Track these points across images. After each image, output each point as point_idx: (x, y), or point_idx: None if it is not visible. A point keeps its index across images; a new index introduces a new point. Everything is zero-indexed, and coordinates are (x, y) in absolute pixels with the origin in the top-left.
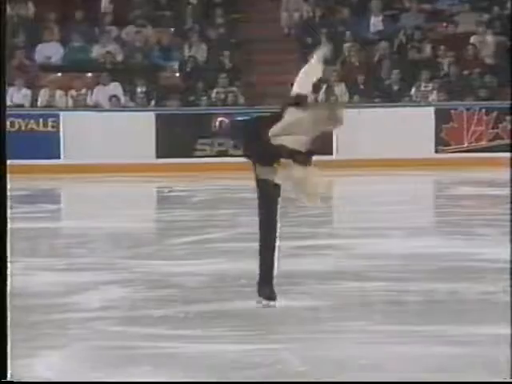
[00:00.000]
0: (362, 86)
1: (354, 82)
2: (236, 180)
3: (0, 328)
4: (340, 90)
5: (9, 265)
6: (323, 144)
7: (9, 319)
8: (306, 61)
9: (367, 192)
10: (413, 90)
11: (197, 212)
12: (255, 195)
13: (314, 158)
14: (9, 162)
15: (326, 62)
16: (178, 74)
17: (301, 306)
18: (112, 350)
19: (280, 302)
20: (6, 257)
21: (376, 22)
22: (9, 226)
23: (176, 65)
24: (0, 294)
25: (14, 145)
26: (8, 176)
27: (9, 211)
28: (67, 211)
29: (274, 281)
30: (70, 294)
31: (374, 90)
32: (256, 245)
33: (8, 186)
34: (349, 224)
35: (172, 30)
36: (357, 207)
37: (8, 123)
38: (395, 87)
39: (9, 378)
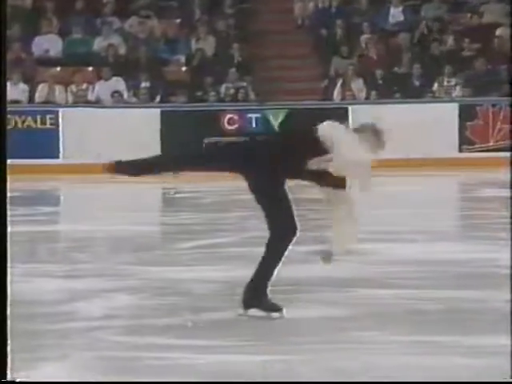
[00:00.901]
0: (380, 81)
1: (372, 76)
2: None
3: (0, 328)
4: (357, 85)
5: (9, 265)
6: None
7: (8, 328)
8: (320, 54)
9: (385, 194)
10: (435, 85)
11: (204, 214)
12: None
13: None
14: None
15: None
16: (184, 68)
17: (314, 316)
18: (116, 360)
19: (293, 311)
20: (6, 257)
21: (396, 13)
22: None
23: (182, 58)
24: (0, 293)
25: (10, 143)
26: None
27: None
28: (67, 214)
29: (275, 289)
30: (71, 302)
31: (393, 85)
32: (261, 250)
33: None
34: (366, 228)
35: (178, 21)
36: (374, 210)
37: None
38: (416, 82)
39: (9, 378)
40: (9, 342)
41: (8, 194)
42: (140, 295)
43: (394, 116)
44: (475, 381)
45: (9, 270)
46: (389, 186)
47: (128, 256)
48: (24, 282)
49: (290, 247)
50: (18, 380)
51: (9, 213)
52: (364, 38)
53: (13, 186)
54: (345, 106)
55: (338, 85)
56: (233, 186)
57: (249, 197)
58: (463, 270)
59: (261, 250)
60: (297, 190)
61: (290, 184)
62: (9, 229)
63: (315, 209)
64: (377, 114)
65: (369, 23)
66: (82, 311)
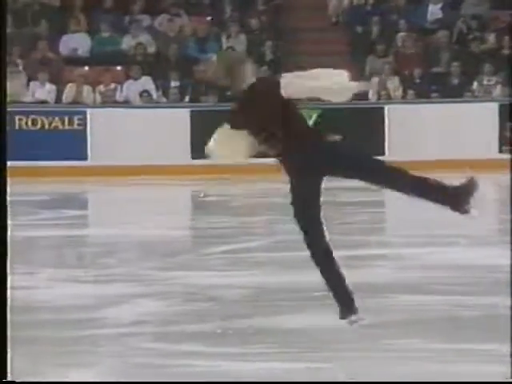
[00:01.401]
0: (417, 80)
1: (409, 75)
2: (276, 183)
3: (0, 328)
4: (393, 84)
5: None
6: (374, 143)
7: (34, 335)
8: (355, 52)
9: None
10: (475, 84)
11: (233, 218)
12: None
13: None
14: (30, 163)
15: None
16: None
17: (349, 322)
18: (145, 367)
19: (325, 318)
20: (6, 258)
21: (434, 10)
22: (28, 233)
23: (213, 57)
24: (0, 293)
25: (36, 144)
26: (28, 179)
27: (29, 217)
28: (94, 217)
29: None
30: (99, 308)
31: (431, 84)
32: (298, 254)
33: (28, 191)
34: (403, 232)
35: (209, 18)
36: (412, 213)
37: (30, 121)
38: (455, 81)
39: (9, 378)
40: (36, 348)
41: (33, 198)
42: (169, 301)
43: (432, 116)
44: (475, 381)
45: (33, 276)
46: None
47: (157, 261)
48: (51, 288)
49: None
50: (17, 380)
51: (34, 216)
52: (401, 35)
53: (39, 188)
54: (381, 105)
55: (375, 84)
56: (261, 188)
57: (277, 200)
58: (502, 275)
59: (290, 255)
60: (330, 192)
61: (324, 186)
62: (35, 233)
63: (353, 212)
64: (413, 115)
65: (406, 20)
66: (111, 317)
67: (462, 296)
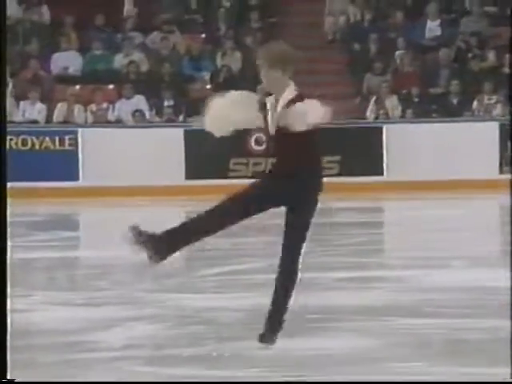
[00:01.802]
0: (416, 99)
1: (408, 94)
2: None
3: (0, 328)
4: (391, 102)
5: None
6: (372, 163)
7: (25, 358)
8: (352, 70)
9: (422, 217)
10: (475, 103)
11: (229, 239)
12: None
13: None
14: (21, 184)
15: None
16: (209, 86)
17: (348, 346)
18: None
19: (323, 341)
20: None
21: (432, 27)
22: (22, 255)
23: (207, 75)
24: (1, 293)
25: (26, 165)
26: (20, 200)
27: (22, 239)
28: (86, 239)
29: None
30: (91, 332)
31: (430, 103)
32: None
33: (19, 212)
34: (402, 253)
35: (203, 36)
36: (410, 234)
37: (20, 141)
38: (454, 100)
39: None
40: (27, 371)
41: (25, 219)
42: (162, 324)
43: (431, 136)
44: (475, 381)
45: (28, 298)
46: (426, 210)
47: (149, 283)
48: (43, 311)
49: (321, 274)
50: (17, 380)
51: (26, 238)
52: (399, 53)
53: (31, 210)
54: (379, 124)
55: (371, 103)
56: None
57: (273, 221)
58: (503, 297)
59: None
60: (328, 213)
61: (321, 207)
62: (26, 254)
63: (351, 233)
64: (411, 134)
65: (404, 38)
66: (103, 341)
67: (462, 319)
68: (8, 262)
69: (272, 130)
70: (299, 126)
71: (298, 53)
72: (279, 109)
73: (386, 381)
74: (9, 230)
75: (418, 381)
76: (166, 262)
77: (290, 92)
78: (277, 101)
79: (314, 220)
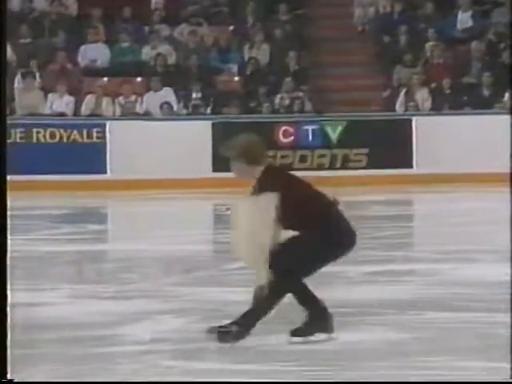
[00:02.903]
0: (447, 91)
1: (439, 86)
2: None
3: (0, 328)
4: (421, 95)
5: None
6: (401, 155)
7: (52, 352)
8: (382, 62)
9: (452, 210)
10: (506, 95)
11: None
12: None
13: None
14: (49, 177)
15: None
16: (237, 78)
17: (377, 340)
18: None
19: (354, 335)
20: (5, 267)
21: (464, 18)
22: (49, 248)
23: (235, 67)
24: (0, 292)
25: (54, 158)
26: (47, 193)
27: (49, 232)
28: (114, 232)
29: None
30: (118, 325)
31: (461, 95)
32: (323, 270)
33: (47, 205)
34: (431, 247)
35: (231, 28)
36: (440, 228)
37: (48, 134)
38: (486, 92)
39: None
40: (54, 365)
41: (52, 212)
42: (190, 318)
43: (462, 128)
44: (475, 381)
45: (55, 292)
46: (456, 203)
47: (178, 277)
48: (70, 304)
49: (349, 268)
50: (16, 380)
51: (53, 231)
52: (429, 45)
53: (59, 202)
54: (408, 117)
55: (401, 95)
56: None
57: None
58: None
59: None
60: (357, 206)
61: (350, 200)
62: (53, 248)
63: (380, 226)
64: (442, 127)
65: (435, 29)
66: (130, 334)
67: (491, 313)
68: (32, 256)
69: None
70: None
71: (263, 145)
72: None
73: (387, 381)
74: (36, 223)
75: (418, 381)
76: None
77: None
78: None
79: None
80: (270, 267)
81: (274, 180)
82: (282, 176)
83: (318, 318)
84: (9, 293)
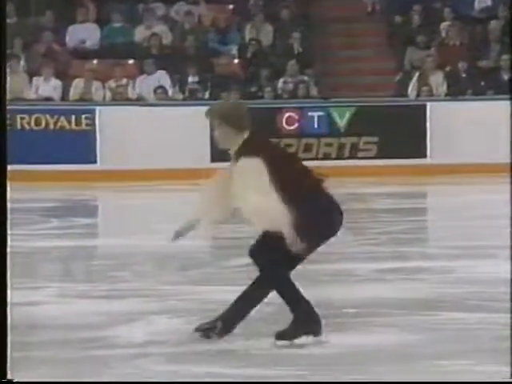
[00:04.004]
0: (463, 75)
1: (454, 69)
2: None
3: (0, 328)
4: (436, 79)
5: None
6: (414, 144)
7: (39, 355)
8: (394, 44)
9: (468, 203)
10: None
11: None
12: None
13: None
14: (34, 167)
15: None
16: (237, 61)
17: (388, 341)
18: None
19: (364, 337)
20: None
21: None
22: (36, 244)
23: (235, 49)
24: (0, 292)
25: (40, 146)
26: (33, 185)
27: (36, 226)
28: (105, 227)
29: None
30: (110, 326)
31: (478, 79)
32: (328, 267)
33: (32, 197)
34: (445, 242)
35: (230, 7)
36: (455, 222)
37: (33, 120)
38: (505, 76)
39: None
40: (41, 369)
41: (38, 204)
42: (187, 318)
43: (479, 115)
44: (475, 381)
45: (41, 290)
46: (472, 195)
47: (174, 274)
48: (58, 304)
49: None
50: (16, 380)
51: (40, 225)
52: (445, 25)
53: (44, 195)
54: (421, 102)
55: (414, 79)
56: None
57: None
58: None
59: (321, 268)
60: (366, 199)
61: (359, 192)
62: (40, 243)
63: (391, 220)
64: (457, 113)
65: (451, 9)
66: (122, 336)
67: (509, 313)
68: (16, 252)
69: None
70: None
71: (248, 110)
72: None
73: (390, 381)
74: (20, 216)
75: (418, 381)
76: None
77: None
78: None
79: (351, 206)
80: (255, 260)
81: (260, 147)
82: (269, 144)
83: (304, 320)
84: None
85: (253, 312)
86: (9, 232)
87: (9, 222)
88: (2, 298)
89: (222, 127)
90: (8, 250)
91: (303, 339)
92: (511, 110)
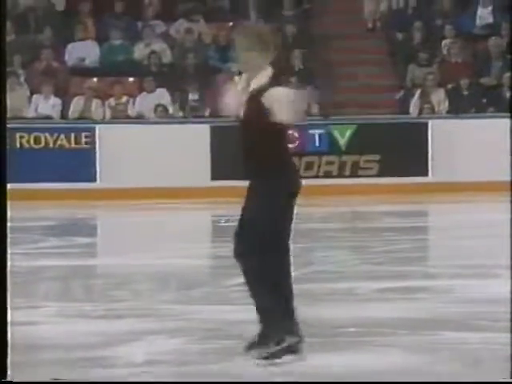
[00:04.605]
0: (465, 92)
1: (456, 87)
2: (307, 207)
3: (0, 328)
4: (437, 96)
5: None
6: (416, 162)
7: (37, 376)
8: (395, 61)
9: (470, 222)
10: None
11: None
12: (330, 225)
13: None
14: (34, 185)
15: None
16: (237, 78)
17: (388, 361)
18: None
19: (364, 357)
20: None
21: (483, 14)
22: (34, 263)
23: (235, 67)
24: (0, 292)
25: (39, 165)
26: (32, 203)
27: (34, 245)
28: (104, 245)
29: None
30: (109, 346)
31: (480, 97)
32: (329, 286)
33: (31, 216)
34: (447, 261)
35: (230, 24)
36: (457, 241)
37: (33, 139)
38: (507, 93)
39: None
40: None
41: (38, 223)
42: (186, 338)
43: (481, 133)
44: (475, 381)
45: (40, 310)
46: (475, 214)
47: (173, 294)
48: (57, 324)
49: (360, 284)
50: (16, 380)
51: (39, 244)
52: (446, 42)
53: (43, 213)
54: (423, 120)
55: (416, 96)
56: (296, 212)
57: (309, 225)
58: None
59: (325, 287)
60: (367, 218)
61: (363, 210)
62: (40, 262)
63: (392, 239)
64: (459, 131)
65: (452, 26)
66: (122, 356)
67: None
68: (14, 271)
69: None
70: (285, 117)
71: (278, 35)
72: (249, 92)
73: (390, 381)
74: (20, 235)
75: (418, 381)
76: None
77: (265, 76)
78: (248, 84)
79: (352, 225)
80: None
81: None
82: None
83: (285, 336)
84: None
85: (254, 331)
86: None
87: (8, 240)
88: (2, 300)
89: (249, 51)
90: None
91: (283, 358)
92: (511, 128)
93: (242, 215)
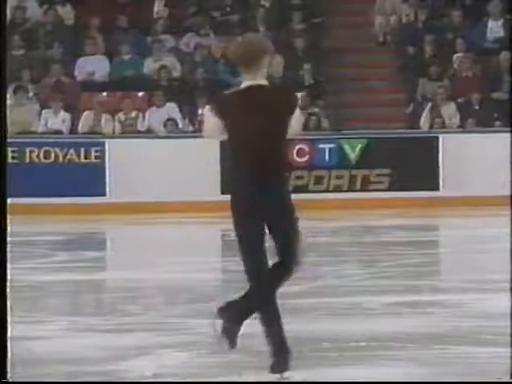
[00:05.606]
0: (476, 107)
1: (467, 101)
2: (317, 221)
3: (1, 328)
4: (448, 110)
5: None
6: (426, 177)
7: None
8: (405, 75)
9: (481, 236)
10: None
11: (270, 260)
12: (340, 239)
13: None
14: (44, 200)
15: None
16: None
17: (399, 375)
18: None
19: (373, 371)
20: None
21: (495, 28)
22: (44, 277)
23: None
24: (0, 292)
25: (49, 179)
26: (42, 218)
27: (44, 260)
28: (114, 260)
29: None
30: (119, 360)
31: (491, 111)
32: (339, 300)
33: (41, 230)
34: (458, 276)
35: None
36: (468, 255)
37: (43, 153)
38: None
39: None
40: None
41: (47, 238)
42: (196, 352)
43: (492, 147)
44: (475, 381)
45: (50, 324)
46: (485, 228)
47: (183, 308)
48: (67, 338)
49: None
50: (16, 380)
51: (49, 258)
52: (457, 56)
53: (53, 228)
54: (434, 134)
55: (426, 111)
56: (301, 226)
57: (319, 239)
58: None
59: (334, 301)
60: (377, 232)
61: (374, 224)
62: (49, 277)
63: (403, 253)
64: (470, 145)
65: (463, 40)
66: (132, 370)
67: None
68: (24, 285)
69: None
70: (298, 131)
71: (266, 47)
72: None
73: (389, 381)
74: (29, 250)
75: (418, 381)
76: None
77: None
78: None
79: (363, 239)
80: None
81: None
82: None
83: (273, 355)
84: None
85: (263, 345)
86: (15, 266)
87: (17, 255)
88: (2, 301)
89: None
90: (10, 279)
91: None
92: (511, 141)
93: (281, 230)
